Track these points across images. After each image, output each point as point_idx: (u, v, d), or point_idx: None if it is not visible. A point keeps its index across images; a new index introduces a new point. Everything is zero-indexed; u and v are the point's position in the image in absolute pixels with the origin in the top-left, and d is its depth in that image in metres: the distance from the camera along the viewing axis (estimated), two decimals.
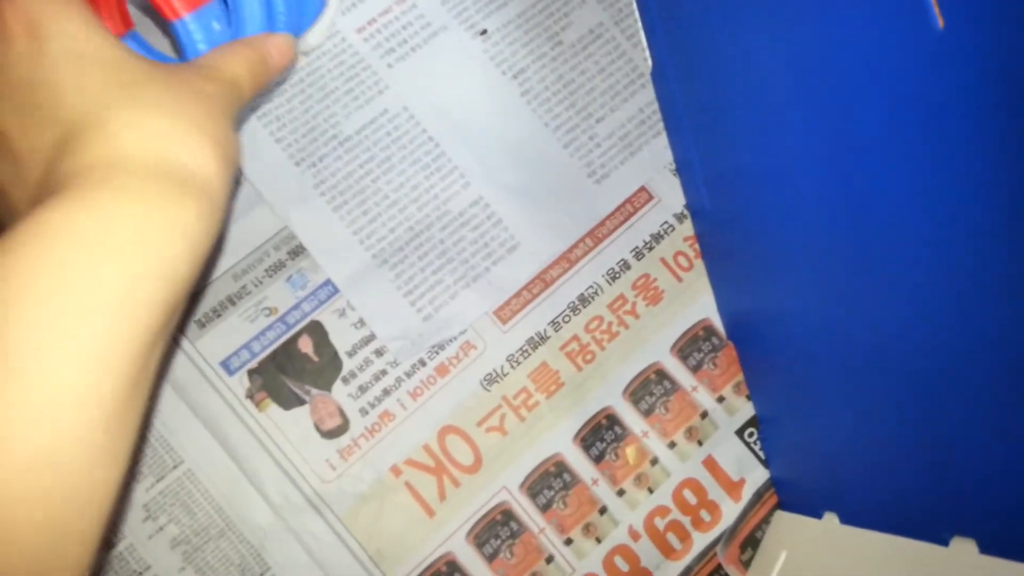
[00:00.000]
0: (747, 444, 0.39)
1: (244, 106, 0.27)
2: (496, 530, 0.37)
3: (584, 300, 0.40)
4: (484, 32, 0.42)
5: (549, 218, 0.40)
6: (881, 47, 0.25)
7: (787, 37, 0.29)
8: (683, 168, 0.41)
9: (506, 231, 0.40)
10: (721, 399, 0.40)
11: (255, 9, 0.30)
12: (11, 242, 0.19)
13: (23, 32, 0.22)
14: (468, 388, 0.38)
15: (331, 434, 0.37)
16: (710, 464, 0.39)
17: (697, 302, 0.41)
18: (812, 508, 0.36)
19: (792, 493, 0.38)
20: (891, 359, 0.29)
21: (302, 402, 0.37)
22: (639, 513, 0.38)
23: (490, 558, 0.37)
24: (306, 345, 0.37)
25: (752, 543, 0.38)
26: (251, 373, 0.37)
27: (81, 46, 0.22)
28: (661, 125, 0.42)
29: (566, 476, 0.38)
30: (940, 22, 0.22)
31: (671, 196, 0.42)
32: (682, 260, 0.41)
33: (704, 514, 0.38)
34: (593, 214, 0.41)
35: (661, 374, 0.40)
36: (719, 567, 0.38)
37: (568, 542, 0.37)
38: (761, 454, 0.39)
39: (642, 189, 0.42)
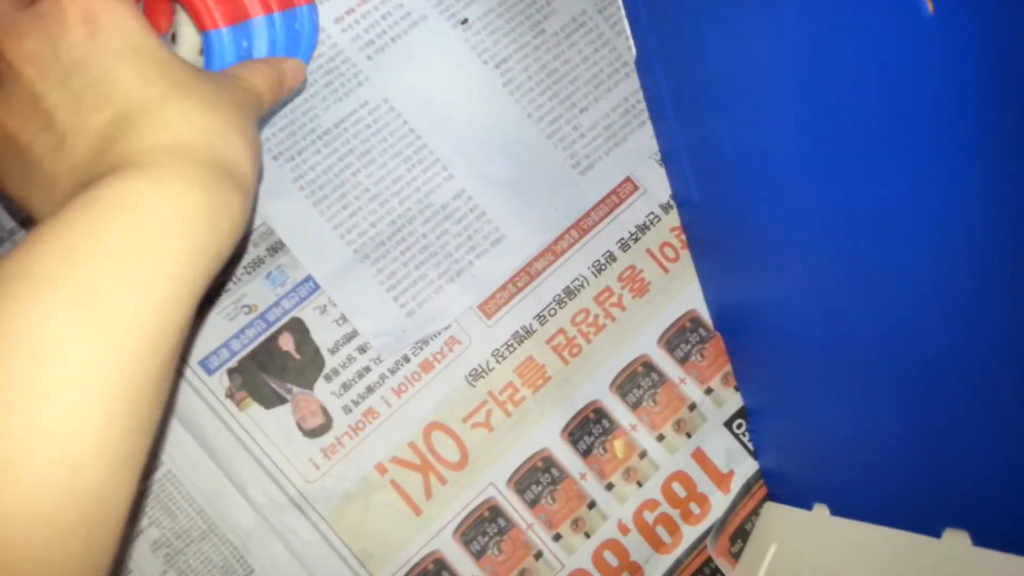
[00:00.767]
0: (736, 436, 0.39)
1: (261, 117, 0.30)
2: (483, 527, 0.37)
3: (570, 293, 0.39)
4: (465, 21, 0.41)
5: (533, 210, 0.40)
6: (870, 35, 0.24)
7: (774, 24, 0.29)
8: (669, 158, 0.41)
9: (490, 224, 0.39)
10: (709, 391, 0.39)
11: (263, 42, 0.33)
12: (92, 204, 0.21)
13: (81, 21, 0.24)
14: (453, 384, 0.38)
15: (314, 433, 0.36)
16: (699, 456, 0.39)
17: (684, 293, 0.40)
18: (802, 500, 0.36)
19: (782, 485, 0.38)
20: (882, 349, 0.29)
21: (284, 401, 0.36)
22: (628, 507, 0.38)
23: (478, 555, 0.36)
24: (287, 343, 0.37)
25: (742, 535, 0.38)
26: (231, 372, 0.36)
27: (137, 42, 0.25)
28: (646, 115, 0.42)
29: (554, 471, 0.37)
30: (930, 7, 0.22)
31: (657, 186, 0.41)
32: (668, 251, 0.41)
33: (693, 507, 0.38)
34: (578, 205, 0.40)
35: (648, 366, 0.39)
36: (709, 560, 0.38)
37: (557, 537, 0.37)
38: (750, 445, 0.39)
39: (627, 180, 0.41)
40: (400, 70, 0.40)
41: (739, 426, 0.39)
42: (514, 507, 0.37)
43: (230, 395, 0.36)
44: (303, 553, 0.35)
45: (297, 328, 0.37)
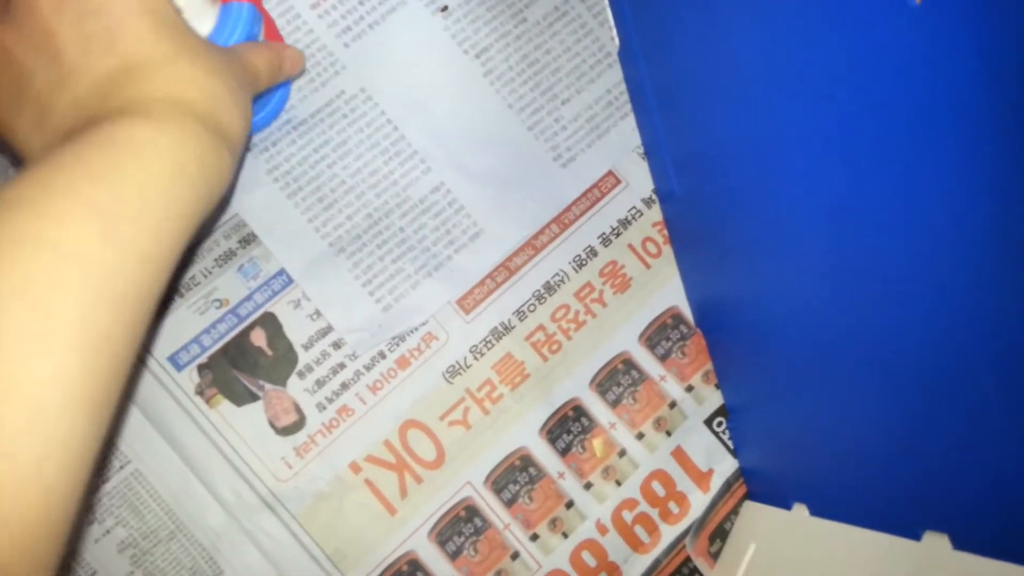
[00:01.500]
0: (716, 434, 0.39)
1: (256, 94, 0.32)
2: (459, 527, 0.36)
3: (550, 288, 0.39)
4: (445, 8, 0.40)
5: (513, 204, 0.39)
6: (856, 26, 0.23)
7: (759, 16, 0.28)
8: (651, 151, 0.40)
9: (468, 218, 0.38)
10: (690, 388, 0.39)
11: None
12: (109, 140, 0.24)
13: None
14: (430, 381, 0.37)
15: (286, 431, 0.35)
16: (679, 455, 0.38)
17: (665, 289, 0.40)
18: (782, 499, 0.35)
19: (761, 483, 0.38)
20: (863, 348, 0.29)
21: (255, 398, 0.35)
22: (607, 506, 0.37)
23: (453, 556, 0.36)
24: (259, 338, 0.36)
25: (721, 535, 0.38)
26: (201, 368, 0.35)
27: (155, 5, 0.27)
28: (629, 107, 0.41)
29: (532, 470, 0.37)
30: None
31: (639, 180, 0.41)
32: (650, 246, 0.40)
33: (672, 506, 0.38)
34: (559, 199, 0.40)
35: (629, 363, 0.39)
36: (688, 560, 0.37)
37: (534, 537, 0.36)
38: (730, 444, 0.39)
39: (609, 173, 0.40)
40: (378, 58, 0.39)
41: (719, 424, 0.39)
42: (491, 507, 0.36)
43: (200, 392, 0.35)
44: (274, 554, 0.34)
45: (270, 323, 0.36)
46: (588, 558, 0.37)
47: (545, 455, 0.37)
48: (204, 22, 0.31)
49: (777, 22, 0.27)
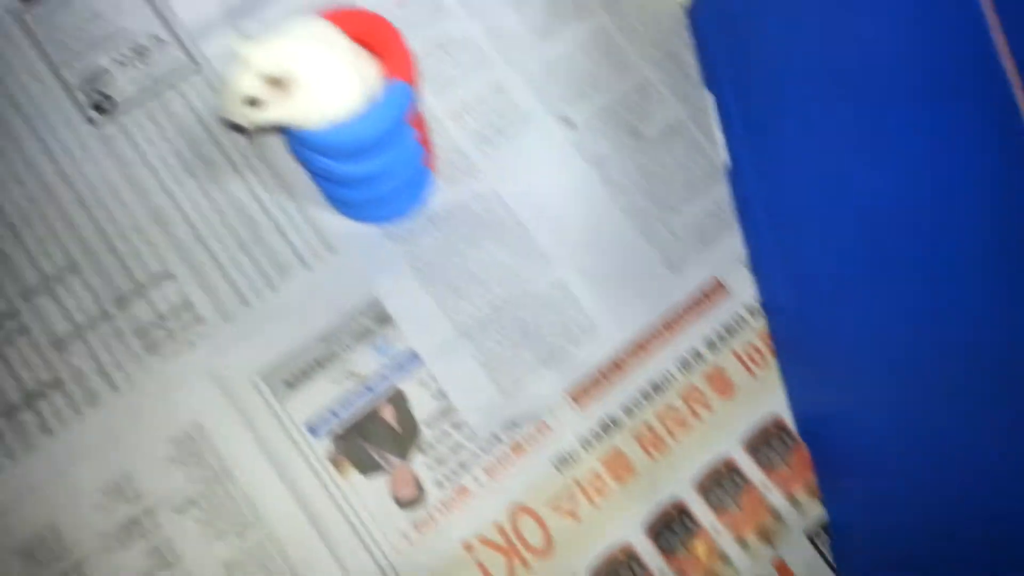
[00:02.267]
0: (818, 549, 0.39)
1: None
2: None
3: (657, 388, 0.40)
4: (570, 123, 0.43)
5: (625, 304, 0.41)
6: (965, 170, 0.25)
7: (874, 147, 0.29)
8: (758, 265, 0.42)
9: (583, 313, 0.41)
10: (793, 500, 0.39)
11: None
12: None
13: None
14: (541, 469, 0.38)
15: (408, 504, 0.37)
16: (780, 566, 0.38)
17: (770, 398, 0.41)
18: None
19: None
20: (978, 479, 0.28)
21: (381, 469, 0.37)
22: None
23: None
24: (388, 413, 0.38)
25: None
26: (335, 438, 0.37)
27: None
28: (735, 219, 0.43)
29: (635, 567, 0.37)
30: None
31: (744, 290, 0.42)
32: (755, 355, 0.41)
33: None
34: (667, 302, 0.42)
35: (732, 468, 0.39)
36: None
37: None
38: (832, 563, 0.38)
39: (716, 281, 0.42)
40: (510, 164, 0.42)
41: (822, 540, 0.39)
42: None
43: (332, 459, 0.37)
44: None
45: (399, 400, 0.38)
46: None
47: (648, 553, 0.37)
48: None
49: (893, 156, 0.28)
